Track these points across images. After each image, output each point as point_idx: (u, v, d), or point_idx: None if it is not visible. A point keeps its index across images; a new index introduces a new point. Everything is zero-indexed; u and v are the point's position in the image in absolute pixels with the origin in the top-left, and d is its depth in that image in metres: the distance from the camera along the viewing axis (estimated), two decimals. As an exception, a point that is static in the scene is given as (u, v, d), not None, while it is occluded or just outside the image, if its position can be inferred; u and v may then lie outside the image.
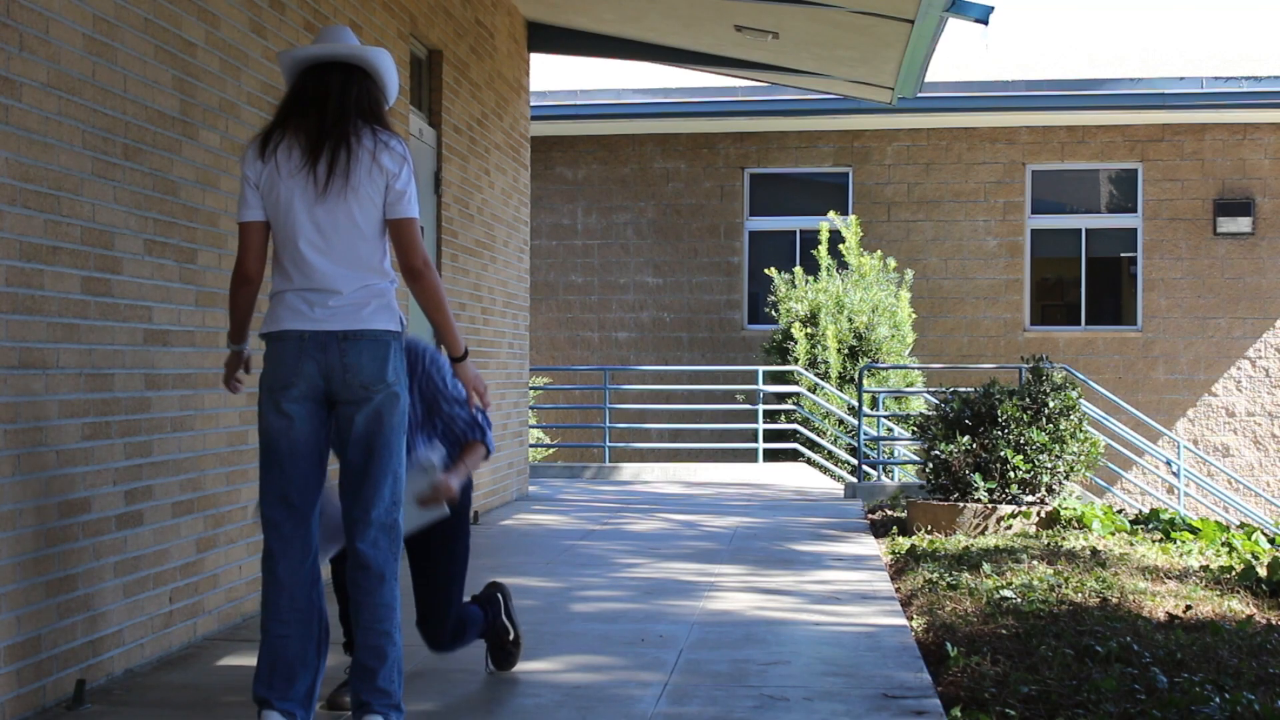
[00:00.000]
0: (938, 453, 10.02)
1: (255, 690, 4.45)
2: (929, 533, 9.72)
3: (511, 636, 5.54)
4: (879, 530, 10.33)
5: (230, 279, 4.59)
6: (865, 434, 14.05)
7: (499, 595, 5.53)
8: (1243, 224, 17.35)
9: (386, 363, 4.41)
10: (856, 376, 14.88)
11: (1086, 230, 17.94)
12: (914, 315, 16.63)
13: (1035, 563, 8.01)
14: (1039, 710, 4.88)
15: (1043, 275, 18.12)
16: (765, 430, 16.15)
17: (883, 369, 15.44)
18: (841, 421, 15.74)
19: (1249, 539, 9.35)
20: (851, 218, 16.80)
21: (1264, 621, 6.63)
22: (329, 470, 4.54)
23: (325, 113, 4.44)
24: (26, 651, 4.77)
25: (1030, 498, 9.91)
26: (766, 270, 17.34)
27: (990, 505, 9.74)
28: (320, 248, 4.40)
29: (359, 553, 4.44)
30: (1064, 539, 9.11)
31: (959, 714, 4.86)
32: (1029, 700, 4.96)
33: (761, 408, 15.92)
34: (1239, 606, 7.01)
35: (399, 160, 4.45)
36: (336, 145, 4.40)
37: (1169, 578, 7.77)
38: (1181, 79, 16.94)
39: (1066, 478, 10.00)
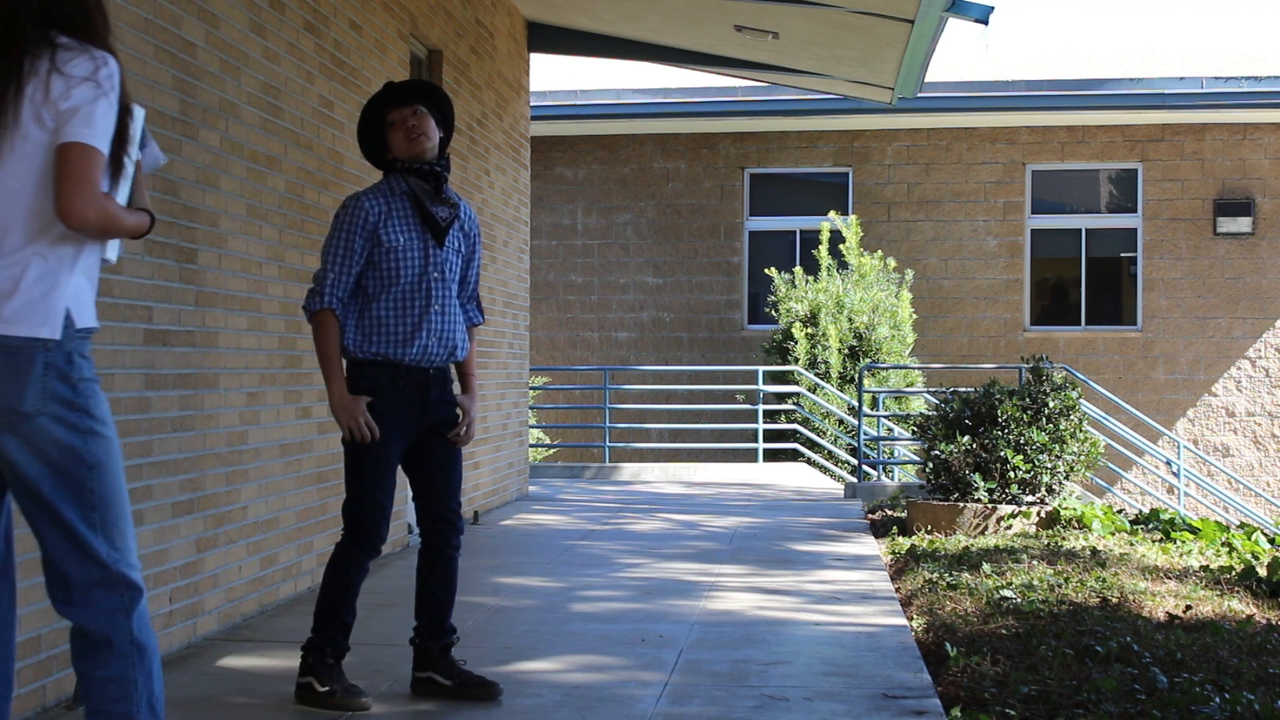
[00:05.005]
0: (938, 453, 10.02)
1: None
2: (929, 533, 9.72)
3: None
4: (879, 530, 10.33)
5: None
6: (865, 434, 14.05)
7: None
8: (1243, 224, 17.35)
9: (26, 386, 3.30)
10: (857, 376, 14.88)
11: (1086, 230, 17.94)
12: (914, 315, 16.62)
13: (1035, 563, 8.01)
14: (1039, 710, 4.88)
15: (1043, 275, 18.11)
16: (765, 430, 16.15)
17: (883, 369, 15.44)
18: (841, 421, 15.74)
19: (1249, 539, 9.35)
20: (851, 218, 16.80)
21: (1264, 621, 6.63)
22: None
23: None
24: (26, 651, 4.77)
25: (1030, 498, 9.91)
26: (766, 270, 17.34)
27: (990, 505, 9.74)
28: None
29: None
30: (1064, 539, 9.11)
31: (959, 714, 4.86)
32: (1029, 700, 4.96)
33: (761, 408, 15.92)
34: (1239, 606, 7.00)
35: (79, 76, 3.28)
36: (4, 87, 3.29)
37: (1169, 578, 7.76)
38: (1181, 79, 16.93)
39: (1066, 478, 10.00)
